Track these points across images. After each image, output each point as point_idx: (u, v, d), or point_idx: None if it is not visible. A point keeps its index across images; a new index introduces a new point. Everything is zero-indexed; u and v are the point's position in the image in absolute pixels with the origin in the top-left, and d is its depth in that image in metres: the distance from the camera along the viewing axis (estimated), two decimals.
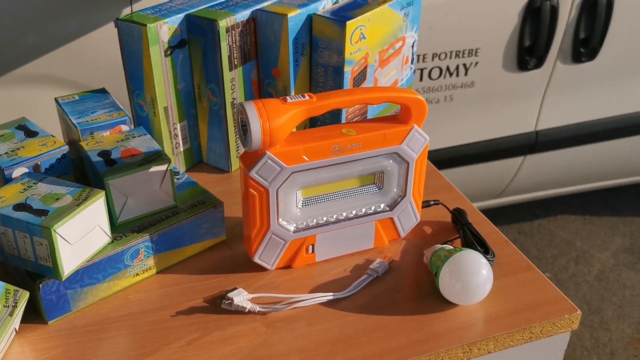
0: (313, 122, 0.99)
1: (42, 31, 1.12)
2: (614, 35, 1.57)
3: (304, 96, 0.72)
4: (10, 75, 1.14)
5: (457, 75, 1.53)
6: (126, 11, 1.13)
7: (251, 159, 0.72)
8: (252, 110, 0.69)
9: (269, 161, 0.71)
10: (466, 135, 1.64)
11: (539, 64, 1.56)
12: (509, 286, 0.78)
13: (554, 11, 1.49)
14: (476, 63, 1.53)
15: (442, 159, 1.63)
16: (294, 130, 0.73)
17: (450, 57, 1.50)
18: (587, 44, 1.57)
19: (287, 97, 0.71)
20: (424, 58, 1.47)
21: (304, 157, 0.73)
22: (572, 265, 1.94)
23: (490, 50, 1.51)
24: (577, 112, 1.70)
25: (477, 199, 1.80)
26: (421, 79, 1.50)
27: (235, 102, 0.94)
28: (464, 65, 1.52)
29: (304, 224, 0.78)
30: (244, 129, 0.71)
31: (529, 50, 1.54)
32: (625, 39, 1.59)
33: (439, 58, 1.49)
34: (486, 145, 1.67)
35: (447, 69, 1.51)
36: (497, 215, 2.10)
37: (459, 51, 1.50)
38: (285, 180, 0.73)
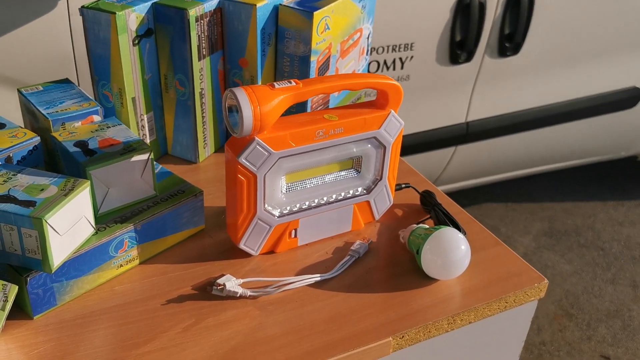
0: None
1: None
2: (535, 31, 1.68)
3: (290, 82, 0.73)
4: None
5: (394, 69, 1.58)
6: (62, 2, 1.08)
7: (239, 145, 0.73)
8: (243, 96, 0.69)
9: (258, 147, 0.72)
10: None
11: (469, 57, 1.65)
12: (481, 261, 0.83)
13: (482, 8, 1.58)
14: (411, 57, 1.58)
15: None
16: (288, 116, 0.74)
17: (387, 52, 1.55)
18: (511, 39, 1.67)
19: (275, 83, 0.72)
20: None
21: (291, 142, 0.74)
22: None
23: (424, 45, 1.58)
24: (503, 104, 1.80)
25: None
26: None
27: (203, 93, 0.93)
28: (400, 59, 1.58)
29: (288, 209, 0.80)
30: (231, 115, 0.72)
31: (460, 44, 1.61)
32: (546, 34, 1.70)
33: (377, 52, 1.54)
34: (421, 137, 1.73)
35: (385, 62, 1.56)
36: None
37: (395, 45, 1.55)
38: (272, 166, 0.74)
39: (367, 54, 1.11)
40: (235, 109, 0.71)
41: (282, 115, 0.74)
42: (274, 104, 0.71)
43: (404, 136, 1.71)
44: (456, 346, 0.80)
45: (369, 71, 1.53)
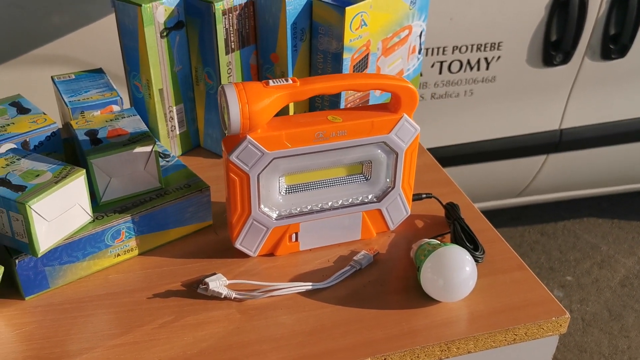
0: (312, 106, 0.97)
1: (66, 11, 1.12)
2: None
3: (287, 80, 0.70)
4: (33, 55, 1.15)
5: (478, 69, 1.49)
6: None
7: (232, 143, 0.71)
8: (232, 93, 0.67)
9: (250, 146, 0.70)
10: (486, 132, 1.60)
11: (566, 59, 1.51)
12: (497, 284, 0.75)
13: (583, 5, 1.44)
14: (498, 57, 1.48)
15: (461, 155, 1.60)
16: (291, 114, 0.72)
17: (472, 51, 1.46)
18: (617, 41, 1.51)
19: (270, 81, 0.70)
20: (444, 50, 1.44)
21: (286, 142, 0.71)
22: (596, 270, 1.87)
23: (513, 44, 1.47)
24: (604, 111, 1.63)
25: (496, 197, 1.76)
26: (440, 72, 1.46)
27: None
28: (486, 59, 1.48)
29: (287, 211, 0.77)
30: (224, 112, 0.70)
31: (555, 45, 1.49)
32: None
33: (460, 51, 1.45)
34: (507, 143, 1.62)
35: (468, 62, 1.47)
36: (519, 215, 2.05)
37: (481, 44, 1.46)
38: (266, 166, 0.72)
39: (419, 53, 1.04)
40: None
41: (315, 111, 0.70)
42: (266, 102, 0.68)
43: (488, 141, 1.60)
44: None
45: (440, 72, 1.45)
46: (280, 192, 0.75)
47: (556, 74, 1.54)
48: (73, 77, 0.89)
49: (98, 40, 1.17)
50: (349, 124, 0.73)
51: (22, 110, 0.82)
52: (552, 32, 1.47)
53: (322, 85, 0.70)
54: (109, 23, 1.15)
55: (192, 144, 0.99)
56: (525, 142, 1.63)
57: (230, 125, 0.68)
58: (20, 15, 1.11)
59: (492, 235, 0.82)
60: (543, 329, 0.71)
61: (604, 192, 1.87)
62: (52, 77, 0.89)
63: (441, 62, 1.45)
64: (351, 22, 0.87)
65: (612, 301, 1.77)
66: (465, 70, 1.48)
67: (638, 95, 1.62)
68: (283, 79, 0.70)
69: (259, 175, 0.72)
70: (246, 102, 0.67)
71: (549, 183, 1.75)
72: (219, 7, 0.85)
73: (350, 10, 0.86)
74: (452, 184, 0.92)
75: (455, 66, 1.47)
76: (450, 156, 1.59)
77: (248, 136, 0.70)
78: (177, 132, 0.95)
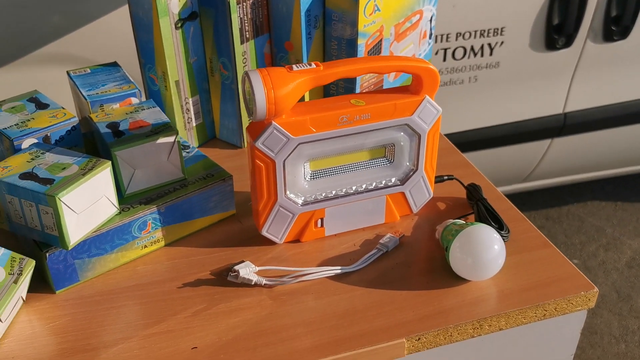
0: (327, 93, 0.97)
1: (67, 11, 1.12)
2: None
3: (310, 65, 0.70)
4: (32, 55, 1.15)
5: (482, 55, 1.50)
6: None
7: (257, 129, 0.71)
8: (257, 79, 0.67)
9: (275, 131, 0.70)
10: (491, 118, 1.60)
11: (568, 43, 1.52)
12: (524, 263, 0.76)
13: None
14: (502, 42, 1.49)
15: (466, 141, 1.60)
16: (307, 100, 0.72)
17: (475, 37, 1.47)
18: (619, 22, 1.52)
19: (293, 66, 0.70)
20: (447, 37, 1.44)
21: (311, 127, 0.71)
22: (602, 252, 1.89)
23: (516, 29, 1.47)
24: (608, 93, 1.64)
25: (503, 182, 1.77)
26: (444, 59, 1.47)
27: None
28: (489, 44, 1.48)
29: (313, 197, 0.77)
30: (249, 98, 0.70)
31: (558, 28, 1.49)
32: None
33: (463, 37, 1.46)
34: (512, 128, 1.63)
35: (472, 48, 1.48)
36: (524, 200, 2.06)
37: (484, 30, 1.46)
38: (292, 152, 0.72)
39: (429, 38, 1.05)
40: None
41: (329, 96, 0.70)
42: (291, 87, 0.68)
43: (493, 127, 1.61)
44: (484, 355, 0.74)
45: (444, 59, 1.45)
46: (305, 178, 0.76)
47: (559, 58, 1.54)
48: (89, 71, 0.89)
49: (102, 37, 1.16)
50: (372, 106, 0.73)
51: (41, 105, 0.81)
52: (554, 15, 1.47)
53: (345, 68, 0.70)
54: (113, 20, 1.15)
55: (208, 136, 0.99)
56: (529, 126, 1.64)
57: (257, 111, 0.68)
58: (22, 14, 1.11)
59: (515, 215, 0.83)
60: (572, 303, 0.72)
61: (607, 174, 1.88)
62: (67, 72, 0.88)
63: (445, 49, 1.46)
64: (365, 7, 0.87)
65: (620, 282, 1.78)
66: (469, 57, 1.49)
67: None
68: (306, 64, 0.70)
69: (284, 161, 0.72)
70: (271, 87, 0.67)
71: (553, 167, 1.76)
72: None
73: None
74: (470, 166, 0.93)
75: (459, 53, 1.47)
76: (456, 143, 1.59)
77: (273, 122, 0.70)
78: (194, 124, 0.95)
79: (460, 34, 1.45)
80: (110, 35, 1.16)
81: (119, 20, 1.13)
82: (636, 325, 1.65)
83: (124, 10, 1.13)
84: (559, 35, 1.50)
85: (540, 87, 1.58)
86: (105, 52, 1.16)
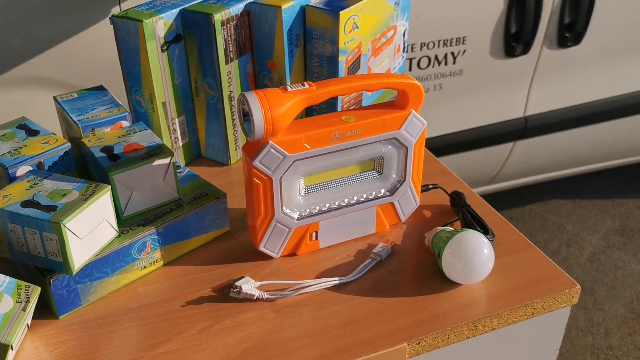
0: (309, 112, 1.00)
1: (27, 35, 1.12)
2: (598, 19, 1.60)
3: (303, 85, 0.73)
4: (3, 77, 1.14)
5: (446, 64, 1.55)
6: (115, 10, 1.14)
7: (254, 148, 0.74)
8: (254, 100, 0.70)
9: (272, 150, 0.73)
10: (457, 123, 1.66)
11: (526, 50, 1.58)
12: (509, 264, 0.80)
13: None
14: (464, 51, 1.54)
15: (434, 147, 1.65)
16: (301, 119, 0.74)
17: (439, 46, 1.52)
18: (572, 29, 1.59)
19: (287, 86, 0.72)
20: (412, 48, 1.49)
21: (306, 145, 0.74)
22: (564, 249, 1.96)
23: (477, 38, 1.53)
24: (565, 97, 1.72)
25: (470, 186, 1.83)
26: (410, 69, 1.51)
27: (232, 96, 0.95)
28: (452, 53, 1.54)
29: (307, 211, 0.79)
30: (246, 119, 0.73)
31: (516, 36, 1.56)
32: (609, 22, 1.62)
33: (427, 47, 1.51)
34: (476, 133, 1.69)
35: (436, 57, 1.53)
36: (489, 201, 2.13)
37: (447, 40, 1.51)
38: (288, 169, 0.75)
39: (403, 51, 1.09)
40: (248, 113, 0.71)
41: (311, 115, 0.73)
42: (286, 107, 0.71)
43: (458, 132, 1.67)
44: (479, 354, 0.77)
45: (410, 68, 1.50)
46: (300, 193, 0.78)
47: (518, 64, 1.61)
48: (76, 95, 0.89)
49: (77, 60, 1.16)
50: (362, 122, 0.76)
51: (31, 132, 0.82)
52: (512, 24, 1.54)
53: (336, 87, 0.73)
54: (92, 42, 1.15)
55: (193, 154, 1.00)
56: (492, 131, 1.70)
57: (255, 131, 0.70)
58: None
59: (497, 219, 0.87)
60: (558, 301, 0.76)
61: (566, 174, 1.96)
62: (54, 97, 0.89)
63: (410, 59, 1.50)
64: (344, 25, 0.90)
65: (583, 277, 1.86)
66: (433, 66, 1.54)
67: (595, 79, 1.71)
68: (299, 84, 0.73)
69: (281, 178, 0.75)
70: (268, 107, 0.70)
71: (516, 169, 1.83)
72: (217, 18, 0.87)
73: (343, 14, 0.89)
74: (450, 173, 0.97)
75: (424, 62, 1.52)
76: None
77: (270, 141, 0.72)
78: (180, 144, 0.96)
79: (424, 43, 1.50)
80: (89, 58, 1.16)
81: (101, 42, 1.13)
82: (601, 318, 1.73)
83: (102, 31, 1.13)
84: (517, 42, 1.57)
85: (501, 92, 1.65)
86: (85, 76, 1.16)
